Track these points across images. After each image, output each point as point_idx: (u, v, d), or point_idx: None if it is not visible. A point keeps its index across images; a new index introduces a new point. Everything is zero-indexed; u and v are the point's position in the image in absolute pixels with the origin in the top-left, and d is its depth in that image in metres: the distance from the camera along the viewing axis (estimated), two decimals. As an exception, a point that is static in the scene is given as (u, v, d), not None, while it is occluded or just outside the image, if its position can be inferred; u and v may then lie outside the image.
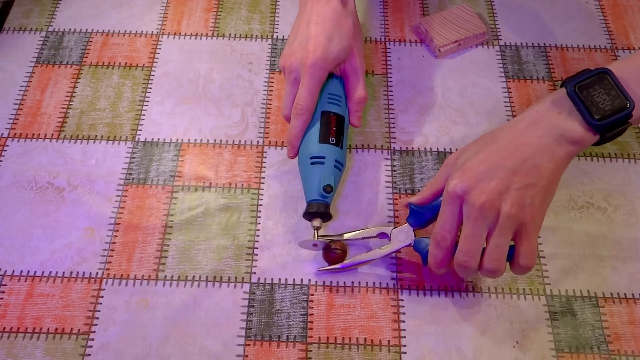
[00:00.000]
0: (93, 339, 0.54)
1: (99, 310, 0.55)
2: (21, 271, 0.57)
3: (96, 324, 0.54)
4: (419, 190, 0.61)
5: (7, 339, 0.54)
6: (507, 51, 0.72)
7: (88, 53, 0.71)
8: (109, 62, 0.70)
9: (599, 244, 0.59)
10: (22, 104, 0.67)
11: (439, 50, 0.70)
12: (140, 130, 0.65)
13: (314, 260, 0.58)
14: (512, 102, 0.67)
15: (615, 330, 0.54)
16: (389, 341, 0.54)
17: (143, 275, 0.57)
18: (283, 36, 0.73)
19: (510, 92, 0.68)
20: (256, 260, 0.58)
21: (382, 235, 0.56)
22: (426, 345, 0.54)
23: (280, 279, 0.57)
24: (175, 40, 0.72)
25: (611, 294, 0.56)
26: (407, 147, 0.64)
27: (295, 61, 0.56)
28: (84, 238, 0.59)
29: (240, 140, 0.65)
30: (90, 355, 0.53)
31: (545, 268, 0.57)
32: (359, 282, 0.57)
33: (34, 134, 0.65)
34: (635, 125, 0.51)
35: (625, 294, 0.56)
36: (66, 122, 0.66)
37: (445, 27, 0.71)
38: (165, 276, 0.57)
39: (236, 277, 0.57)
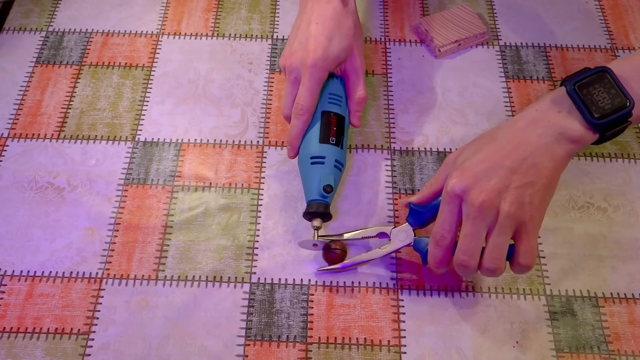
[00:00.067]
0: (93, 339, 0.54)
1: (99, 310, 0.55)
2: (21, 271, 0.57)
3: (96, 324, 0.54)
4: (419, 190, 0.61)
5: (7, 339, 0.54)
6: (507, 51, 0.72)
7: (88, 53, 0.71)
8: (109, 62, 0.70)
9: (599, 244, 0.59)
10: (22, 104, 0.67)
11: (439, 50, 0.70)
12: (140, 130, 0.65)
13: (314, 260, 0.58)
14: (512, 102, 0.67)
15: (615, 330, 0.54)
16: (389, 341, 0.54)
17: (143, 275, 0.57)
18: (283, 36, 0.73)
19: (510, 92, 0.68)
20: (256, 260, 0.58)
21: (382, 235, 0.56)
22: (426, 345, 0.54)
23: (280, 279, 0.57)
24: (175, 40, 0.72)
25: (611, 294, 0.56)
26: (407, 147, 0.64)
27: (296, 61, 0.56)
28: (84, 238, 0.59)
29: (240, 140, 0.65)
30: (90, 355, 0.53)
31: (545, 268, 0.57)
32: (359, 282, 0.57)
33: (34, 134, 0.65)
34: (635, 125, 0.51)
35: (625, 294, 0.56)
36: (66, 122, 0.66)
37: (445, 27, 0.71)
38: (165, 276, 0.57)
39: (236, 277, 0.57)
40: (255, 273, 0.57)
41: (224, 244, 0.59)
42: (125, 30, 0.73)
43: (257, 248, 0.58)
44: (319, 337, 0.54)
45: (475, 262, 0.47)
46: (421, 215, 0.53)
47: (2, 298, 0.56)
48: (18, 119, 0.66)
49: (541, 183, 0.47)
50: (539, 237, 0.59)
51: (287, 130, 0.58)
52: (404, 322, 0.55)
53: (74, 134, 0.65)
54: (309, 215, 0.55)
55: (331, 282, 0.57)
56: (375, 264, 0.57)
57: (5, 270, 0.57)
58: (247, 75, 0.70)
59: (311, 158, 0.55)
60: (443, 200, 0.49)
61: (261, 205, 0.61)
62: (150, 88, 0.68)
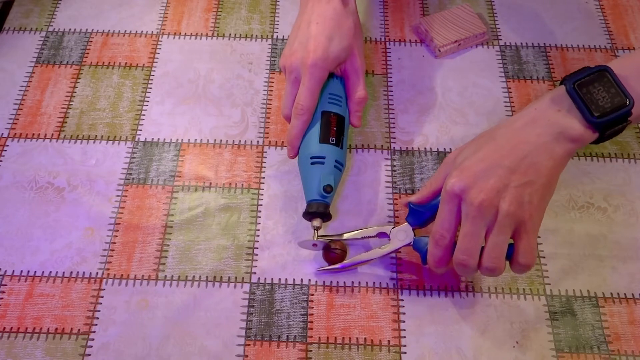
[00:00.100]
0: (93, 339, 0.54)
1: (99, 310, 0.55)
2: (21, 271, 0.57)
3: (96, 324, 0.54)
4: (418, 190, 0.61)
5: (7, 339, 0.54)
6: (507, 51, 0.72)
7: (88, 53, 0.71)
8: (109, 62, 0.70)
9: (599, 244, 0.59)
10: (22, 104, 0.67)
11: (439, 50, 0.70)
12: (140, 130, 0.65)
13: (314, 260, 0.58)
14: (512, 102, 0.67)
15: (615, 330, 0.54)
16: (389, 341, 0.54)
17: (143, 275, 0.57)
18: (283, 36, 0.73)
19: (510, 92, 0.68)
20: (256, 260, 0.58)
21: (382, 235, 0.56)
22: (426, 345, 0.54)
23: (280, 279, 0.57)
24: (175, 40, 0.72)
25: (611, 294, 0.56)
26: (407, 147, 0.64)
27: (296, 61, 0.56)
28: (84, 238, 0.59)
29: (240, 140, 0.65)
30: (90, 355, 0.53)
31: (545, 268, 0.57)
32: (359, 282, 0.57)
33: (34, 134, 0.65)
34: (634, 124, 0.51)
35: (625, 294, 0.56)
36: (66, 122, 0.66)
37: (445, 27, 0.71)
38: (165, 276, 0.57)
39: (236, 277, 0.57)
40: (255, 273, 0.57)
41: (224, 244, 0.59)
42: (125, 30, 0.73)
43: (257, 248, 0.58)
44: (319, 337, 0.54)
45: (474, 262, 0.47)
46: (421, 214, 0.53)
47: (2, 298, 0.56)
48: (18, 119, 0.66)
49: (540, 182, 0.47)
50: (539, 237, 0.59)
51: (287, 130, 0.58)
52: (404, 322, 0.55)
53: (74, 134, 0.65)
54: (308, 215, 0.55)
55: (331, 282, 0.57)
56: (375, 264, 0.57)
57: (5, 270, 0.57)
58: (247, 75, 0.70)
59: (311, 158, 0.55)
60: (442, 199, 0.49)
61: (261, 205, 0.61)
62: (150, 88, 0.68)
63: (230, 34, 0.73)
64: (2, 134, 0.65)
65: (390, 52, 0.72)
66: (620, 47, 0.72)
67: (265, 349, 0.53)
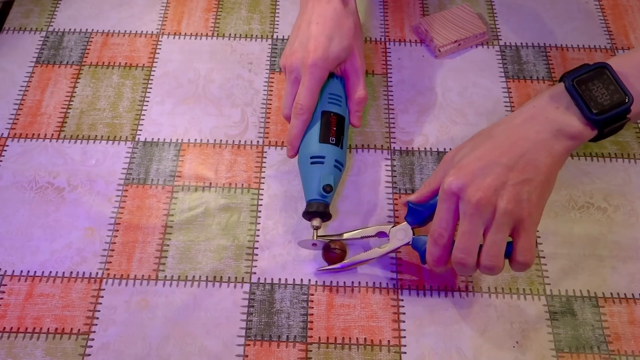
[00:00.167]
0: (93, 339, 0.54)
1: (99, 310, 0.55)
2: (21, 271, 0.57)
3: (96, 324, 0.54)
4: (417, 190, 0.61)
5: (7, 339, 0.54)
6: (507, 51, 0.72)
7: (88, 53, 0.71)
8: (109, 62, 0.70)
9: (599, 244, 0.59)
10: (22, 104, 0.67)
11: (439, 50, 0.70)
12: (140, 130, 0.65)
13: (314, 260, 0.58)
14: (512, 102, 0.67)
15: (615, 330, 0.54)
16: (389, 341, 0.54)
17: (143, 275, 0.57)
18: (283, 36, 0.73)
19: (510, 92, 0.68)
20: (256, 260, 0.58)
21: (381, 235, 0.56)
22: (426, 345, 0.54)
23: (280, 279, 0.57)
24: (175, 40, 0.72)
25: (611, 294, 0.56)
26: (407, 147, 0.64)
27: (296, 61, 0.56)
28: (84, 238, 0.59)
29: (240, 140, 0.65)
30: (90, 355, 0.53)
31: (545, 268, 0.57)
32: (359, 282, 0.57)
33: (34, 134, 0.65)
34: (634, 121, 0.51)
35: (625, 294, 0.56)
36: (66, 122, 0.66)
37: (445, 27, 0.71)
38: (165, 276, 0.57)
39: (236, 277, 0.57)
40: (255, 273, 0.57)
41: (224, 244, 0.59)
42: (125, 30, 0.73)
43: (257, 248, 0.58)
44: (319, 337, 0.54)
45: (473, 260, 0.47)
46: (420, 214, 0.53)
47: (2, 298, 0.56)
48: (18, 119, 0.66)
49: (539, 180, 0.46)
50: (539, 237, 0.59)
51: (287, 130, 0.58)
52: (404, 322, 0.55)
53: (74, 134, 0.65)
54: (308, 214, 0.55)
55: (331, 282, 0.57)
56: (375, 264, 0.57)
57: (5, 270, 0.57)
58: (247, 75, 0.70)
59: (311, 158, 0.55)
60: (440, 198, 0.48)
61: (261, 205, 0.61)
62: (150, 88, 0.68)
63: (230, 34, 0.73)
64: (2, 134, 0.65)
65: (390, 52, 0.72)
66: (620, 47, 0.72)
67: (265, 349, 0.53)
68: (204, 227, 0.59)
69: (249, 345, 0.54)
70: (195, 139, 0.65)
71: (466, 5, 0.73)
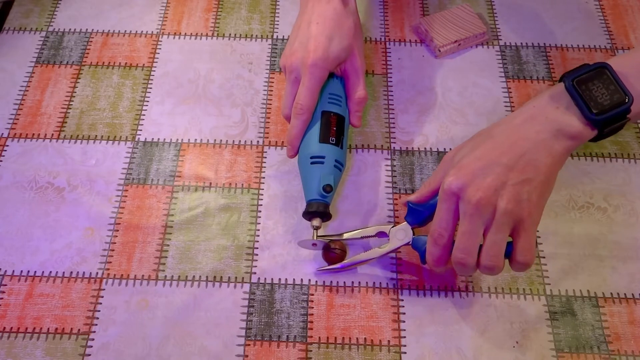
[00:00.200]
0: (93, 339, 0.54)
1: (99, 310, 0.55)
2: (21, 271, 0.57)
3: (96, 324, 0.54)
4: (417, 189, 0.61)
5: (7, 339, 0.54)
6: (507, 51, 0.72)
7: (88, 53, 0.71)
8: (109, 62, 0.70)
9: (599, 244, 0.59)
10: (22, 104, 0.67)
11: (439, 50, 0.70)
12: (140, 130, 0.65)
13: (314, 260, 0.58)
14: (512, 102, 0.67)
15: (615, 330, 0.54)
16: (389, 341, 0.54)
17: (143, 275, 0.57)
18: (283, 36, 0.73)
19: (510, 92, 0.68)
20: (256, 260, 0.58)
21: (381, 235, 0.56)
22: (426, 345, 0.54)
23: (280, 279, 0.57)
24: (175, 40, 0.72)
25: (611, 294, 0.56)
26: (407, 147, 0.64)
27: (296, 61, 0.56)
28: (84, 238, 0.59)
29: (240, 140, 0.65)
30: (90, 355, 0.53)
31: (545, 268, 0.57)
32: (359, 282, 0.57)
33: (34, 134, 0.65)
34: (634, 121, 0.51)
35: (625, 294, 0.56)
36: (66, 122, 0.66)
37: (445, 27, 0.71)
38: (165, 276, 0.57)
39: (236, 277, 0.57)
40: (255, 273, 0.57)
41: (224, 244, 0.59)
42: (125, 30, 0.73)
43: (257, 248, 0.58)
44: (319, 337, 0.54)
45: (472, 260, 0.47)
46: (420, 214, 0.53)
47: (2, 298, 0.56)
48: (18, 119, 0.66)
49: (539, 180, 0.46)
50: (539, 237, 0.59)
51: (287, 130, 0.58)
52: (404, 322, 0.55)
53: (74, 134, 0.65)
54: (308, 214, 0.55)
55: (331, 282, 0.57)
56: (375, 264, 0.57)
57: (5, 270, 0.57)
58: (247, 75, 0.70)
59: (311, 158, 0.55)
60: (440, 198, 0.48)
61: (261, 205, 0.61)
62: (150, 88, 0.68)
63: (230, 34, 0.73)
64: (2, 134, 0.65)
65: (390, 52, 0.72)
66: (620, 47, 0.72)
67: (265, 349, 0.53)
68: (204, 227, 0.59)
69: (249, 345, 0.54)
70: (195, 139, 0.65)
71: (466, 5, 0.73)
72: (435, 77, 0.70)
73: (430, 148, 0.64)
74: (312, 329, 0.54)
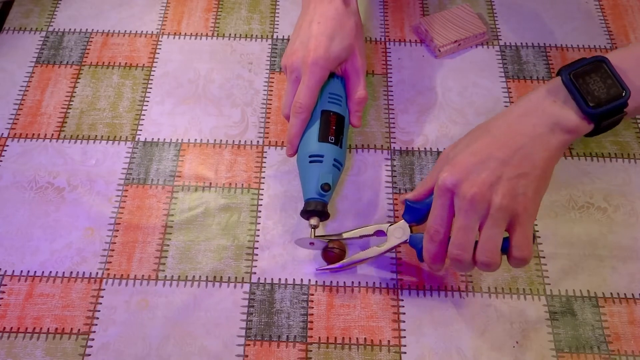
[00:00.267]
0: (93, 339, 0.54)
1: (99, 310, 0.55)
2: (21, 271, 0.57)
3: (96, 324, 0.54)
4: (415, 187, 0.61)
5: (7, 339, 0.54)
6: (507, 51, 0.72)
7: (88, 53, 0.71)
8: (109, 62, 0.70)
9: (599, 244, 0.59)
10: (22, 104, 0.67)
11: (439, 50, 0.70)
12: (140, 130, 0.65)
13: (314, 260, 0.58)
14: (512, 102, 0.67)
15: (615, 330, 0.54)
16: (389, 341, 0.54)
17: (143, 275, 0.57)
18: (283, 36, 0.73)
19: (510, 92, 0.68)
20: (256, 260, 0.58)
21: (380, 233, 0.56)
22: (426, 345, 0.54)
23: (280, 279, 0.57)
24: (175, 40, 0.72)
25: (611, 294, 0.56)
26: (407, 147, 0.64)
27: (297, 60, 0.56)
28: (84, 238, 0.59)
29: (240, 140, 0.65)
30: (90, 355, 0.53)
31: (545, 268, 0.57)
32: (359, 282, 0.57)
33: (34, 134, 0.65)
34: (631, 117, 0.51)
35: (625, 294, 0.56)
36: (66, 122, 0.66)
37: (445, 27, 0.71)
38: (165, 276, 0.57)
39: (236, 277, 0.57)
40: (255, 273, 0.57)
41: (224, 244, 0.59)
42: (125, 30, 0.73)
43: (257, 248, 0.58)
44: (319, 337, 0.54)
45: (468, 256, 0.47)
46: (417, 211, 0.53)
47: (2, 298, 0.56)
48: (18, 119, 0.66)
49: (535, 174, 0.46)
50: (539, 237, 0.59)
51: (286, 129, 0.58)
52: (404, 322, 0.55)
53: (74, 134, 0.65)
54: (306, 213, 0.55)
55: (331, 282, 0.57)
56: (375, 264, 0.57)
57: (5, 270, 0.57)
58: (247, 75, 0.70)
59: (310, 156, 0.55)
60: (435, 194, 0.48)
61: (261, 205, 0.61)
62: (150, 88, 0.68)
63: (230, 34, 0.73)
64: (2, 134, 0.65)
65: (390, 52, 0.72)
66: (620, 47, 0.72)
67: (265, 349, 0.53)
68: (204, 227, 0.59)
69: (249, 345, 0.54)
70: (195, 139, 0.65)
71: (466, 5, 0.73)
72: (435, 77, 0.70)
73: (430, 148, 0.64)
74: (312, 329, 0.54)
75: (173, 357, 0.53)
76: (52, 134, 0.65)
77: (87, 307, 0.55)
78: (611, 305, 0.56)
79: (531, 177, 0.46)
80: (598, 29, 0.74)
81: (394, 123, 0.66)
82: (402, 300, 0.56)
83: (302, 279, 0.57)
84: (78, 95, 0.68)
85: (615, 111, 0.46)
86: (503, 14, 0.75)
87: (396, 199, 0.61)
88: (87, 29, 0.73)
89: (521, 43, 0.72)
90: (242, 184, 0.62)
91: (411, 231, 0.54)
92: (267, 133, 0.65)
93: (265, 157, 0.64)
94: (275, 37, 0.73)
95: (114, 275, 0.57)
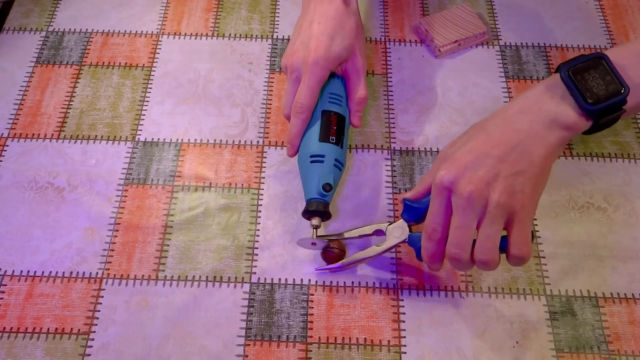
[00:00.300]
0: (93, 339, 0.54)
1: (99, 310, 0.55)
2: (21, 271, 0.57)
3: (96, 324, 0.54)
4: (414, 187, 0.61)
5: (7, 339, 0.54)
6: (507, 51, 0.72)
7: (88, 53, 0.71)
8: (109, 62, 0.70)
9: (599, 244, 0.59)
10: (22, 104, 0.67)
11: (439, 50, 0.70)
12: (140, 130, 0.65)
13: (314, 260, 0.58)
14: (512, 102, 0.67)
15: (615, 330, 0.54)
16: (389, 341, 0.54)
17: (143, 275, 0.57)
18: (283, 36, 0.73)
19: (510, 92, 0.68)
20: (256, 260, 0.58)
21: (379, 233, 0.56)
22: (426, 345, 0.54)
23: (280, 279, 0.57)
24: (175, 40, 0.72)
25: (611, 294, 0.56)
26: (407, 147, 0.64)
27: (297, 60, 0.56)
28: (84, 238, 0.59)
29: (240, 140, 0.65)
30: (90, 355, 0.53)
31: (545, 268, 0.57)
32: (359, 282, 0.57)
33: (34, 134, 0.65)
34: (630, 115, 0.50)
35: (625, 294, 0.56)
36: (66, 122, 0.66)
37: (445, 27, 0.71)
38: (165, 276, 0.57)
39: (236, 277, 0.57)
40: (255, 273, 0.57)
41: (224, 244, 0.59)
42: (125, 30, 0.73)
43: (257, 248, 0.58)
44: (319, 337, 0.54)
45: (466, 255, 0.46)
46: (416, 210, 0.53)
47: (2, 298, 0.56)
48: (18, 119, 0.66)
49: (532, 171, 0.46)
50: (539, 237, 0.59)
51: (287, 129, 0.58)
52: (404, 322, 0.55)
53: (74, 134, 0.65)
54: (308, 213, 0.55)
55: (331, 282, 0.57)
56: (375, 264, 0.57)
57: (5, 270, 0.57)
58: (247, 75, 0.70)
59: (311, 157, 0.55)
60: (432, 193, 0.48)
61: (261, 205, 0.61)
62: (150, 88, 0.68)
63: (230, 34, 0.73)
64: (2, 134, 0.65)
65: (390, 52, 0.72)
66: (620, 47, 0.72)
67: (265, 349, 0.53)
68: (204, 227, 0.59)
69: (249, 345, 0.54)
70: (195, 139, 0.65)
71: (466, 5, 0.73)
72: (435, 77, 0.70)
73: (430, 148, 0.64)
74: (312, 329, 0.54)
75: (173, 357, 0.53)
76: (52, 134, 0.65)
77: (87, 307, 0.55)
78: (611, 305, 0.56)
79: (528, 174, 0.46)
80: (598, 29, 0.74)
81: (394, 123, 0.66)
82: (402, 300, 0.56)
83: (302, 279, 0.57)
84: (78, 95, 0.68)
85: (614, 108, 0.46)
86: (503, 14, 0.75)
87: (396, 199, 0.61)
88: (87, 29, 0.73)
89: (521, 43, 0.72)
90: (242, 184, 0.62)
91: (410, 230, 0.54)
92: (267, 133, 0.65)
93: (265, 157, 0.64)
94: (275, 37, 0.73)
95: (114, 275, 0.57)
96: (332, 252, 0.56)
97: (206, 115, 0.67)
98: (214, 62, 0.71)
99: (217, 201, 0.61)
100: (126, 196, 0.61)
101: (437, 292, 0.56)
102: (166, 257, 0.58)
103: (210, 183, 0.62)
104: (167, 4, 0.75)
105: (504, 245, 0.47)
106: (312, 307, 0.55)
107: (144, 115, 0.66)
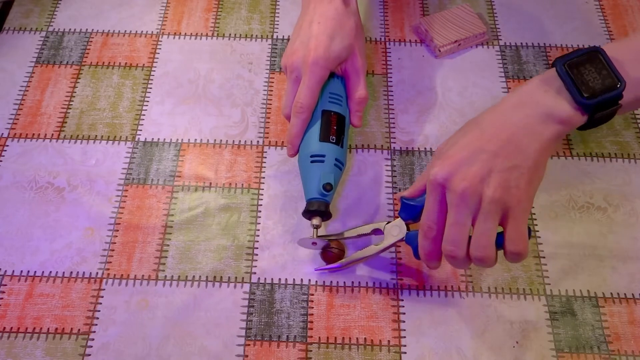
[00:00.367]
0: (93, 339, 0.54)
1: (99, 310, 0.55)
2: (21, 271, 0.57)
3: (96, 324, 0.54)
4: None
5: (7, 339, 0.54)
6: (507, 51, 0.72)
7: (88, 53, 0.71)
8: (109, 62, 0.70)
9: (599, 244, 0.59)
10: (22, 104, 0.67)
11: (439, 50, 0.70)
12: (140, 130, 0.65)
13: (314, 260, 0.58)
14: (512, 102, 0.67)
15: (615, 330, 0.54)
16: (389, 341, 0.54)
17: (143, 275, 0.57)
18: (283, 36, 0.73)
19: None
20: (256, 260, 0.58)
21: (377, 232, 0.55)
22: (426, 345, 0.54)
23: (280, 279, 0.57)
24: (175, 40, 0.72)
25: (611, 294, 0.56)
26: (407, 147, 0.64)
27: (297, 60, 0.56)
28: (84, 238, 0.59)
29: (240, 140, 0.65)
30: (90, 355, 0.53)
31: (545, 268, 0.57)
32: (359, 282, 0.57)
33: (34, 134, 0.65)
34: (626, 111, 0.50)
35: (625, 294, 0.56)
36: (66, 122, 0.66)
37: (445, 27, 0.71)
38: (165, 276, 0.57)
39: (236, 277, 0.57)
40: (255, 273, 0.57)
41: (224, 244, 0.59)
42: (125, 30, 0.73)
43: (257, 248, 0.58)
44: (319, 337, 0.54)
45: (462, 252, 0.46)
46: (413, 209, 0.52)
47: (2, 298, 0.56)
48: (18, 119, 0.66)
49: (527, 166, 0.45)
50: (539, 237, 0.59)
51: (287, 129, 0.58)
52: (404, 322, 0.55)
53: (74, 134, 0.65)
54: (308, 213, 0.55)
55: (331, 282, 0.57)
56: (375, 265, 0.57)
57: (5, 270, 0.57)
58: (247, 75, 0.70)
59: (311, 156, 0.55)
60: (427, 190, 0.48)
61: (261, 205, 0.61)
62: (150, 88, 0.68)
63: (230, 34, 0.73)
64: (2, 134, 0.65)
65: (390, 52, 0.72)
66: (620, 47, 0.72)
67: (265, 349, 0.53)
68: (204, 227, 0.59)
69: (249, 345, 0.54)
70: (195, 139, 0.65)
71: (466, 5, 0.73)
72: (435, 77, 0.70)
73: (431, 148, 0.64)
74: (312, 329, 0.54)
75: (173, 357, 0.53)
76: (52, 134, 0.65)
77: (87, 307, 0.55)
78: (611, 305, 0.56)
79: (523, 168, 0.45)
80: (598, 29, 0.74)
81: (394, 123, 0.66)
82: (402, 300, 0.56)
83: (302, 279, 0.57)
84: (78, 95, 0.68)
85: (609, 102, 0.45)
86: (503, 14, 0.75)
87: (396, 199, 0.61)
88: (87, 29, 0.73)
89: (521, 43, 0.72)
90: (242, 184, 0.62)
91: (408, 229, 0.53)
92: (267, 133, 0.65)
93: (265, 157, 0.64)
94: (275, 37, 0.73)
95: (114, 275, 0.57)
96: (332, 252, 0.56)
97: (206, 115, 0.67)
98: (214, 62, 0.71)
99: (217, 201, 0.61)
100: (126, 196, 0.61)
101: (437, 292, 0.56)
102: (166, 257, 0.58)
103: (210, 183, 0.62)
104: (167, 4, 0.76)
105: (500, 242, 0.46)
106: (312, 307, 0.55)
107: (144, 115, 0.66)
